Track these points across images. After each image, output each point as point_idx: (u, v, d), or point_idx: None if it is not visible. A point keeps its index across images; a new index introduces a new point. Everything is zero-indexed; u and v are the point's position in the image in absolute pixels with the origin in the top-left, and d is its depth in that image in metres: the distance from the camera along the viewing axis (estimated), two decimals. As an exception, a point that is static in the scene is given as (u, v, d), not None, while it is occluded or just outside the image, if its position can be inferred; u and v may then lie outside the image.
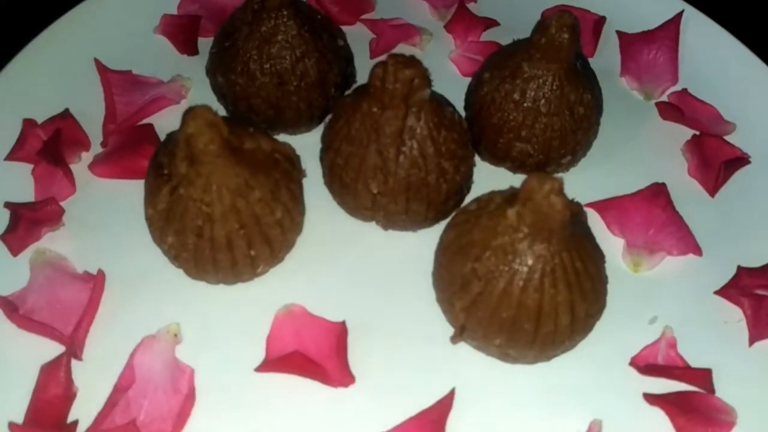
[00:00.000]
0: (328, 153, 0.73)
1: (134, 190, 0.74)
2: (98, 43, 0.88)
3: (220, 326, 0.69)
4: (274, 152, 0.68)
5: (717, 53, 0.90)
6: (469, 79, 0.84)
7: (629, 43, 0.91)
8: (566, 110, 0.74)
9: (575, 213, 0.61)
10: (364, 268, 0.73)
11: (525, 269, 0.60)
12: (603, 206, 0.78)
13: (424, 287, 0.70)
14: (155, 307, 0.70)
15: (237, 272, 0.68)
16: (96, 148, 0.81)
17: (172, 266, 0.70)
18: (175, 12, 0.92)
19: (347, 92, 0.82)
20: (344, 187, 0.72)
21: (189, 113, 0.61)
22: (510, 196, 0.63)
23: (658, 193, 0.78)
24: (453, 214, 0.71)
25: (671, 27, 0.91)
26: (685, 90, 0.88)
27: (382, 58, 0.68)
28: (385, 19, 0.93)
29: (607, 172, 0.81)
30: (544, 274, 0.60)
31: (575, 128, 0.75)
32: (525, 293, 0.60)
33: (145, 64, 0.88)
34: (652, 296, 0.73)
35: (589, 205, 0.77)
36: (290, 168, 0.70)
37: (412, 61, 0.66)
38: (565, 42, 0.71)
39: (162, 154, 0.66)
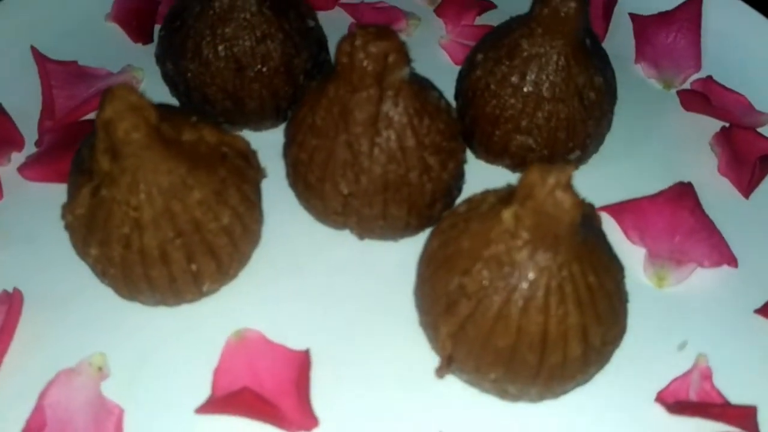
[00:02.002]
0: (291, 147, 0.60)
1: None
2: (39, 30, 0.76)
3: (157, 357, 0.56)
4: (222, 145, 0.55)
5: (744, 35, 0.77)
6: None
7: (644, 25, 0.78)
8: (574, 95, 0.61)
9: (587, 214, 0.47)
10: (333, 286, 0.60)
11: (525, 285, 0.47)
12: (619, 209, 0.65)
13: (405, 308, 0.57)
14: (80, 333, 0.57)
15: (177, 291, 0.55)
16: (30, 148, 0.69)
17: (102, 285, 0.57)
18: (130, -4, 0.80)
19: (320, 81, 0.69)
20: (309, 187, 0.59)
21: (106, 94, 0.48)
22: (506, 195, 0.50)
23: (683, 193, 0.65)
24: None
25: (692, 6, 0.78)
26: (709, 77, 0.75)
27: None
28: (366, 2, 0.81)
29: (623, 170, 0.68)
30: (549, 291, 0.47)
31: (585, 117, 0.62)
32: (526, 316, 0.47)
33: (95, 54, 0.76)
34: (681, 316, 0.60)
35: (603, 208, 0.64)
36: (243, 165, 0.57)
37: (386, 33, 0.53)
38: (572, 12, 0.58)
39: (84, 147, 0.54)
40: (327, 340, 0.57)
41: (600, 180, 0.66)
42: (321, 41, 0.70)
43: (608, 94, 0.64)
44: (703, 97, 0.72)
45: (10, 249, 0.62)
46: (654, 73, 0.76)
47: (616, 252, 0.54)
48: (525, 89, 0.61)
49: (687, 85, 0.75)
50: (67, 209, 0.54)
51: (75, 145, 0.67)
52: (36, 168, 0.67)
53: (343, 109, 0.55)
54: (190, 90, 0.67)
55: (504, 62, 0.61)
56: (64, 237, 0.60)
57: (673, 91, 0.75)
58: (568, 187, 0.44)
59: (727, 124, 0.71)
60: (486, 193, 0.53)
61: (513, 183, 0.56)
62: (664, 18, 0.78)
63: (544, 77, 0.60)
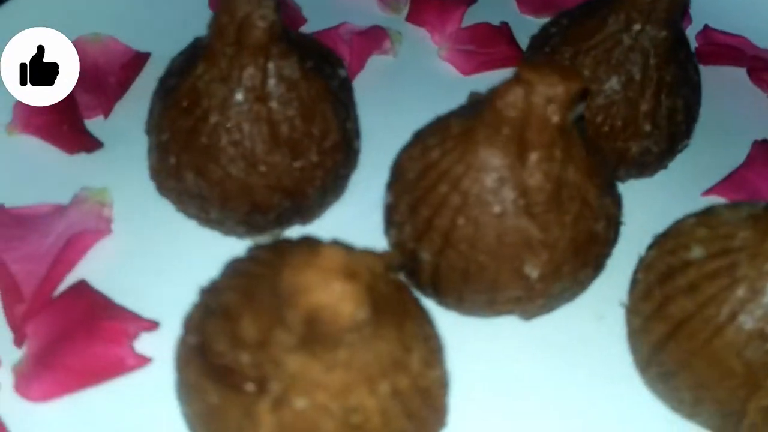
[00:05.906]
0: (428, 231, 0.44)
1: (111, 403, 0.42)
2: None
3: None
4: (388, 270, 0.39)
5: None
6: (474, 78, 0.60)
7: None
8: (686, 80, 0.53)
9: None
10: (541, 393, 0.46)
11: None
12: (725, 188, 0.58)
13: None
14: None
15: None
16: (10, 354, 0.45)
17: None
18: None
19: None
20: (470, 279, 0.44)
21: (300, 262, 0.30)
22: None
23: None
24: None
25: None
26: (707, 27, 0.70)
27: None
28: (328, 29, 0.65)
29: (713, 147, 0.61)
30: None
31: (695, 101, 0.54)
32: None
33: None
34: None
35: (711, 192, 0.57)
36: (405, 286, 0.41)
37: (564, 70, 0.40)
38: (679, -7, 0.49)
39: (217, 342, 0.34)
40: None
41: (697, 165, 0.59)
42: (350, 90, 0.54)
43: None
44: (721, 48, 0.68)
45: None
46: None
47: None
48: (645, 89, 0.51)
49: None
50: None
51: (83, 326, 0.46)
52: (42, 380, 0.44)
53: (511, 176, 0.42)
54: (228, 201, 0.47)
55: (602, 65, 0.51)
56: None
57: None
58: None
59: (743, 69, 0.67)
60: (712, 224, 0.43)
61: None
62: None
63: (661, 71, 0.51)
